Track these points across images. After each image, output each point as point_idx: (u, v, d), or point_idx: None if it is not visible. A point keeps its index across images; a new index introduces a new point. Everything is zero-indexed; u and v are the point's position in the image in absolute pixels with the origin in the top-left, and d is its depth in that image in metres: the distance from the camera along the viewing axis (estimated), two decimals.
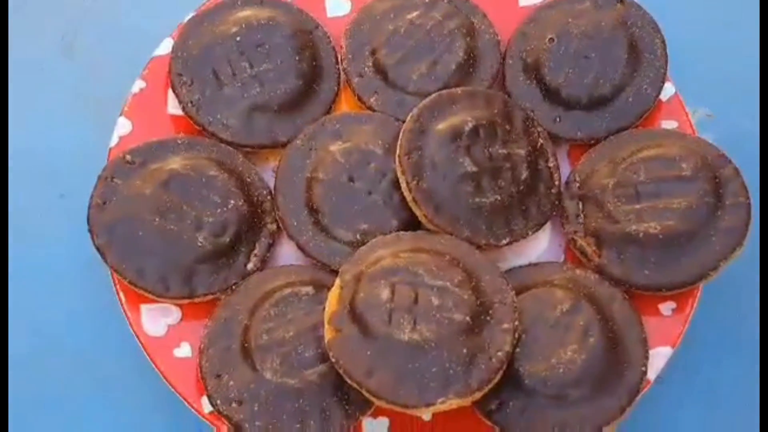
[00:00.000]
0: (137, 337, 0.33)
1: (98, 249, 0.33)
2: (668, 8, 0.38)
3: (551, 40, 0.37)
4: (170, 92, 0.37)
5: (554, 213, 0.35)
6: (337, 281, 0.31)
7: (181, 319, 0.33)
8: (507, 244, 0.34)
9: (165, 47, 0.38)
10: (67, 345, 0.36)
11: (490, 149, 0.34)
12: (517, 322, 0.31)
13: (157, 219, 0.33)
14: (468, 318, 0.30)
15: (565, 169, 0.37)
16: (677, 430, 0.35)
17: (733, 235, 0.33)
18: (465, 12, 0.38)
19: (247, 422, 0.30)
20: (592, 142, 0.37)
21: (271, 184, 0.36)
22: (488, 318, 0.30)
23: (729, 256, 0.33)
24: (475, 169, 0.34)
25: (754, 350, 0.35)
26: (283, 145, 0.36)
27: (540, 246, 0.36)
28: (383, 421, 0.32)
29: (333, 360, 0.30)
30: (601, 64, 0.36)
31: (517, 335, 0.31)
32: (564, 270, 0.34)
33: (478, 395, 0.29)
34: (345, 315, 0.30)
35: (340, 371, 0.30)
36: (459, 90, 0.35)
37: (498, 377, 0.30)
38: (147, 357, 0.33)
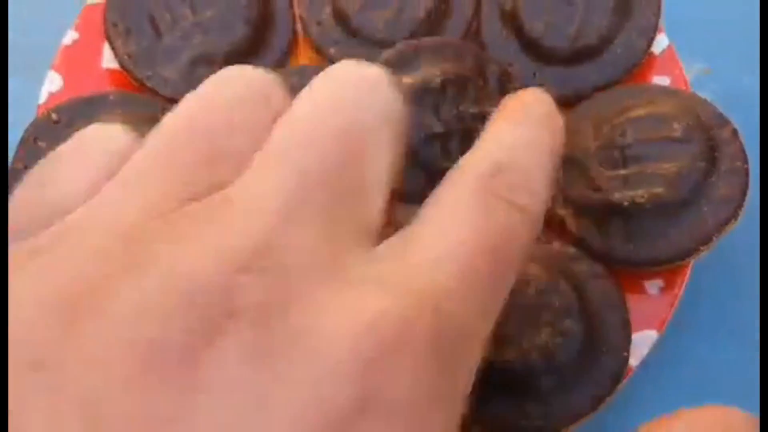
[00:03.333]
0: None
1: None
2: None
3: None
4: (106, 44, 0.33)
5: None
6: None
7: None
8: None
9: None
10: None
11: (460, 108, 0.31)
12: None
13: None
14: None
15: None
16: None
17: (729, 205, 0.29)
18: None
19: None
20: (575, 99, 0.33)
21: None
22: None
23: (723, 229, 0.29)
24: (442, 130, 0.30)
25: (752, 334, 0.32)
26: None
27: None
28: None
29: None
30: (586, 11, 0.33)
31: None
32: (539, 243, 0.31)
33: None
34: None
35: None
36: (426, 40, 0.32)
37: None
38: None
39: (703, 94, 0.33)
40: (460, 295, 0.16)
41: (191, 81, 0.32)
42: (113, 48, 0.33)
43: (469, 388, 0.17)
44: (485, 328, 0.17)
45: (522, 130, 0.19)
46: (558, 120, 0.20)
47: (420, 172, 0.30)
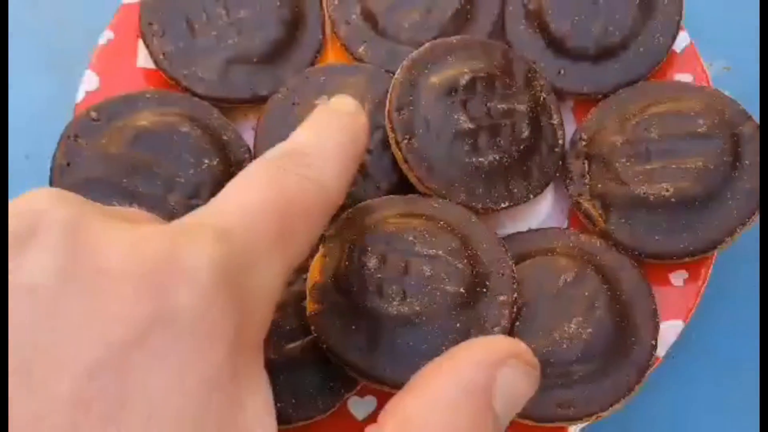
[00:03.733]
0: None
1: None
2: None
3: None
4: (141, 43, 0.34)
5: (557, 174, 0.33)
6: (321, 249, 0.29)
7: None
8: (506, 208, 0.31)
9: None
10: None
11: (489, 104, 0.31)
12: (516, 295, 0.28)
13: (125, 180, 0.30)
14: (462, 290, 0.27)
15: (570, 127, 0.34)
16: (689, 409, 0.33)
17: (752, 198, 0.30)
18: None
19: None
20: (600, 96, 0.34)
21: (251, 143, 0.33)
22: (484, 290, 0.28)
23: (747, 221, 0.30)
24: (471, 126, 0.31)
25: None
26: (264, 100, 0.33)
27: (542, 210, 0.33)
28: (370, 401, 0.30)
29: (315, 335, 0.27)
30: (611, 10, 0.33)
31: (516, 308, 0.28)
32: (567, 236, 0.31)
33: None
34: (329, 286, 0.28)
35: (324, 347, 0.27)
36: (455, 39, 0.32)
37: None
38: None
39: (723, 89, 0.33)
40: (242, 235, 0.19)
41: (226, 80, 0.33)
42: (149, 47, 0.33)
43: (268, 317, 0.20)
44: (275, 264, 0.20)
45: (310, 130, 0.24)
46: (356, 120, 0.24)
47: (450, 167, 0.30)
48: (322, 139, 0.23)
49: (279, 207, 0.20)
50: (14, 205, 0.18)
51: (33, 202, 0.18)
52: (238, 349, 0.18)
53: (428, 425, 0.19)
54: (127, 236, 0.18)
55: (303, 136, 0.23)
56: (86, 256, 0.17)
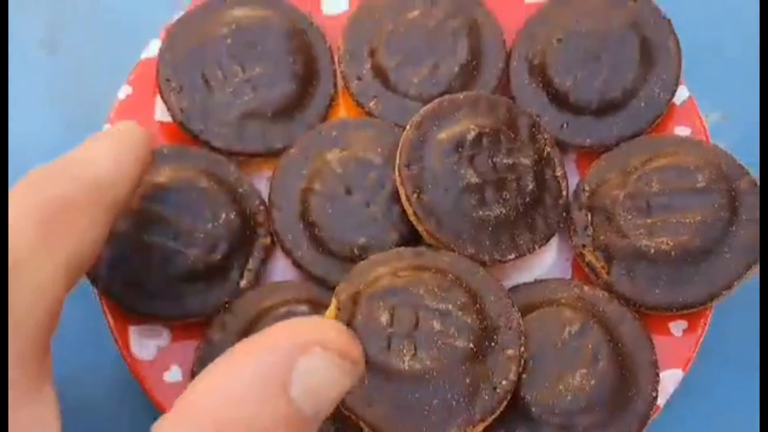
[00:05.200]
0: (126, 360, 0.31)
1: None
2: (677, 6, 0.36)
3: (559, 40, 0.35)
4: (158, 98, 0.35)
5: (561, 225, 0.34)
6: (333, 302, 0.30)
7: (171, 341, 0.32)
8: (513, 260, 0.32)
9: (153, 49, 0.36)
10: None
11: (494, 159, 0.33)
12: (522, 348, 0.29)
13: (144, 236, 0.31)
14: (471, 345, 0.28)
15: (573, 178, 0.35)
16: None
17: (749, 253, 0.31)
18: (468, 8, 0.36)
19: None
20: (602, 149, 0.35)
21: (265, 195, 0.34)
22: (493, 344, 0.29)
23: (744, 275, 0.31)
24: (478, 180, 0.32)
25: None
26: (279, 153, 0.35)
27: (546, 261, 0.34)
28: None
29: None
30: (612, 66, 0.35)
31: (522, 361, 0.29)
32: (571, 287, 0.33)
33: (481, 427, 0.28)
34: None
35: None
36: (461, 95, 0.34)
37: (503, 407, 0.28)
38: (135, 381, 0.31)
39: (720, 140, 0.34)
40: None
41: (241, 134, 0.34)
42: (166, 103, 0.35)
43: (46, 319, 0.20)
44: (44, 266, 0.21)
45: (82, 144, 0.26)
46: (125, 124, 0.27)
47: (459, 220, 0.32)
48: (91, 143, 0.25)
49: (38, 211, 0.21)
50: None
51: None
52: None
53: (210, 411, 0.19)
54: None
55: (75, 149, 0.25)
56: None
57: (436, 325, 0.28)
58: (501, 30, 0.36)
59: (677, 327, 0.32)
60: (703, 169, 0.32)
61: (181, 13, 0.36)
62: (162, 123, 0.35)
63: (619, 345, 0.31)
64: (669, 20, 0.35)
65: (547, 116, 0.35)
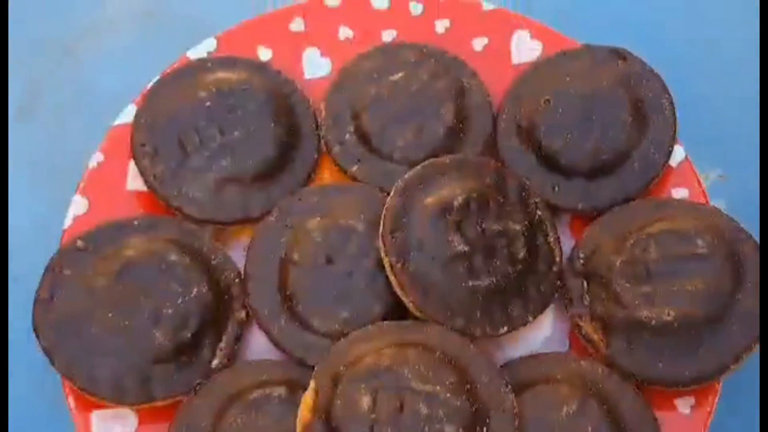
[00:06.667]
0: None
1: (44, 351, 0.29)
2: (670, 63, 0.35)
3: (547, 101, 0.34)
4: (131, 165, 0.34)
5: (556, 294, 0.32)
6: (312, 384, 0.28)
7: (138, 426, 0.30)
8: (505, 333, 0.30)
9: (127, 115, 0.34)
10: None
11: (483, 225, 0.31)
12: None
13: (110, 314, 0.29)
14: (461, 431, 0.26)
15: (567, 243, 0.33)
16: None
17: (756, 322, 0.29)
18: (454, 71, 0.35)
19: None
20: (594, 213, 0.33)
21: (242, 266, 0.33)
22: (484, 429, 0.27)
23: (752, 347, 0.29)
24: (466, 248, 0.30)
25: None
26: (257, 220, 0.33)
27: (542, 332, 0.32)
28: None
29: None
30: (603, 127, 0.33)
31: None
32: (569, 362, 0.30)
33: None
34: (319, 428, 0.26)
35: None
36: (447, 159, 0.32)
37: None
38: None
39: (718, 200, 0.33)
40: None
41: (218, 200, 0.33)
42: (140, 168, 0.33)
43: None
44: None
45: None
46: None
47: (447, 291, 0.30)
48: None
49: None
50: None
51: None
52: None
53: None
54: None
55: None
56: None
57: (423, 409, 0.26)
58: (487, 91, 0.35)
59: (684, 404, 0.30)
60: (703, 234, 0.30)
61: (158, 77, 0.35)
62: (134, 192, 0.34)
63: (621, 425, 0.28)
64: (661, 79, 0.34)
65: (538, 179, 0.34)
